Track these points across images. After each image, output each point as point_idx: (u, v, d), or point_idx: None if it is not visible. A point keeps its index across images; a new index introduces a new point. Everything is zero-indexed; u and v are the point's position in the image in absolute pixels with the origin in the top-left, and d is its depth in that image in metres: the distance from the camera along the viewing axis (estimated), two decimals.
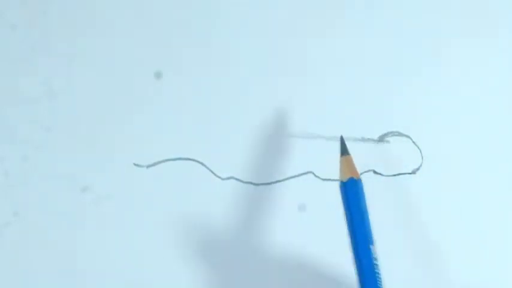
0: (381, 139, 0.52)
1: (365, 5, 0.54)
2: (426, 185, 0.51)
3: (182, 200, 0.51)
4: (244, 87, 0.53)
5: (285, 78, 0.53)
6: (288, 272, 0.50)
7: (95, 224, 0.51)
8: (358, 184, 0.46)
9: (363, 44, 0.54)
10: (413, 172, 0.51)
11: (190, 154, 0.52)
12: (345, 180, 0.46)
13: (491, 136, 0.53)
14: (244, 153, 0.52)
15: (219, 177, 0.51)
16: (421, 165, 0.51)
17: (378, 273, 0.45)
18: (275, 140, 0.52)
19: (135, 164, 0.52)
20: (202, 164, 0.52)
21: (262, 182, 0.51)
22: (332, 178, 0.51)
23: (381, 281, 0.44)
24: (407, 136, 0.52)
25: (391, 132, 0.52)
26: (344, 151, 0.48)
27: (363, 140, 0.52)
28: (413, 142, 0.52)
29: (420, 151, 0.52)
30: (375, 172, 0.51)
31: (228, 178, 0.51)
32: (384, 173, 0.51)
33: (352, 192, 0.46)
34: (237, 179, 0.51)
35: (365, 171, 0.51)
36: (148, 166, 0.52)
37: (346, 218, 0.46)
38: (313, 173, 0.51)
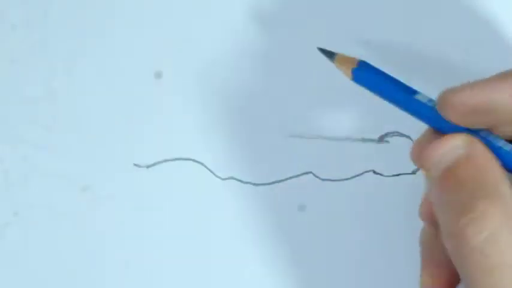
0: (381, 139, 0.52)
1: None
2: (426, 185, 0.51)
3: (182, 200, 0.51)
4: (244, 87, 0.53)
5: (285, 78, 0.53)
6: (287, 272, 0.50)
7: (95, 224, 0.51)
8: (366, 62, 0.44)
9: (363, 44, 0.54)
10: (414, 172, 0.51)
11: (190, 154, 0.52)
12: (354, 67, 0.44)
13: None
14: (244, 153, 0.52)
15: (219, 177, 0.51)
16: None
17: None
18: (275, 140, 0.52)
19: (135, 164, 0.52)
20: (202, 164, 0.52)
21: (262, 182, 0.51)
22: (332, 178, 0.51)
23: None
24: (407, 136, 0.52)
25: (391, 132, 0.52)
26: (330, 54, 0.46)
27: (363, 140, 0.52)
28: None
29: None
30: (374, 172, 0.51)
31: (228, 178, 0.51)
32: (384, 173, 0.51)
33: (369, 69, 0.44)
34: (236, 179, 0.51)
35: (365, 171, 0.51)
36: (148, 166, 0.52)
37: (382, 95, 0.43)
38: (313, 173, 0.51)
